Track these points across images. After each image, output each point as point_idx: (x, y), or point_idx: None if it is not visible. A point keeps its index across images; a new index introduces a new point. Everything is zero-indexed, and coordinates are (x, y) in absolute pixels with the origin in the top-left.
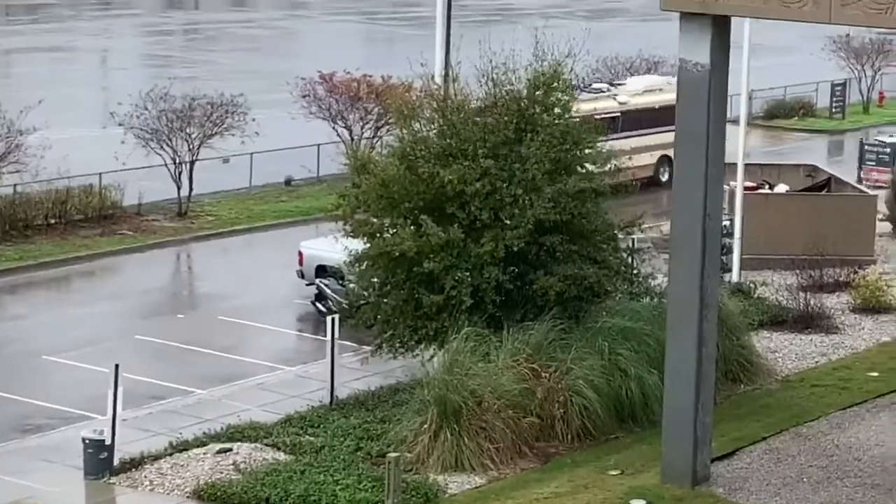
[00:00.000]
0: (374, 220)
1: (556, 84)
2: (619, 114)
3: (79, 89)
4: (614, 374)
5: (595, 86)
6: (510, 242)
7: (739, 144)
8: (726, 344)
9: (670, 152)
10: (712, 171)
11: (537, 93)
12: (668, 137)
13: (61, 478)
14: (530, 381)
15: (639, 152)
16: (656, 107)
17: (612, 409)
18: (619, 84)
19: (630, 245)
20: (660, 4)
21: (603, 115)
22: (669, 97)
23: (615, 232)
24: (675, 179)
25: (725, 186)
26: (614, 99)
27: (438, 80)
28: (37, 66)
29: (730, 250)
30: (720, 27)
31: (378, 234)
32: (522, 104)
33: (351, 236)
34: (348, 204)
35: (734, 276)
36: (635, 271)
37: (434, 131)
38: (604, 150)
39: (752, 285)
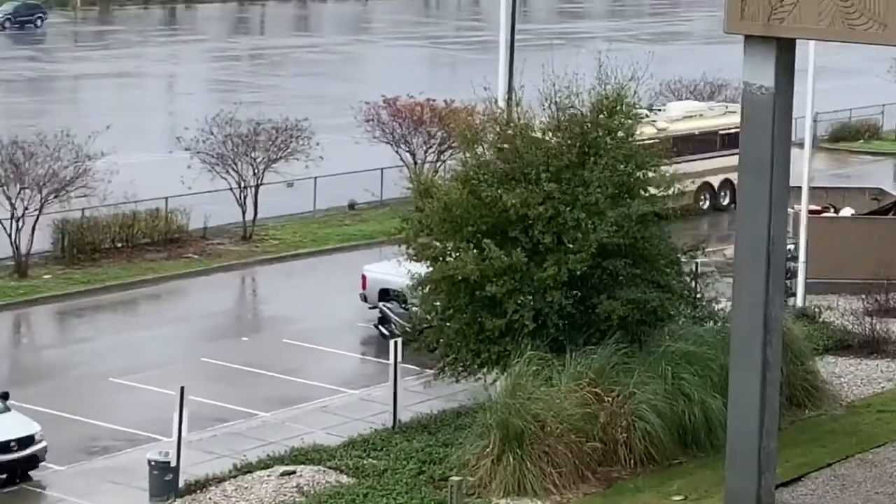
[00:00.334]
0: (437, 243)
1: (619, 108)
2: (656, 140)
3: (146, 114)
4: (677, 398)
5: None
6: (573, 266)
7: (804, 168)
8: (791, 369)
9: (711, 179)
10: (777, 195)
11: (600, 116)
12: (708, 164)
13: (127, 499)
14: (593, 406)
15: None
16: (696, 133)
17: (675, 433)
18: (659, 109)
19: (693, 269)
20: (724, 27)
21: (640, 142)
22: (710, 123)
23: (678, 256)
24: (740, 203)
25: (790, 210)
26: (652, 125)
27: (501, 103)
28: (104, 91)
29: (794, 274)
30: (785, 50)
31: (441, 258)
32: (586, 127)
33: (414, 260)
34: (411, 228)
35: (799, 300)
36: (699, 295)
37: (497, 155)
38: (667, 174)
39: (817, 310)
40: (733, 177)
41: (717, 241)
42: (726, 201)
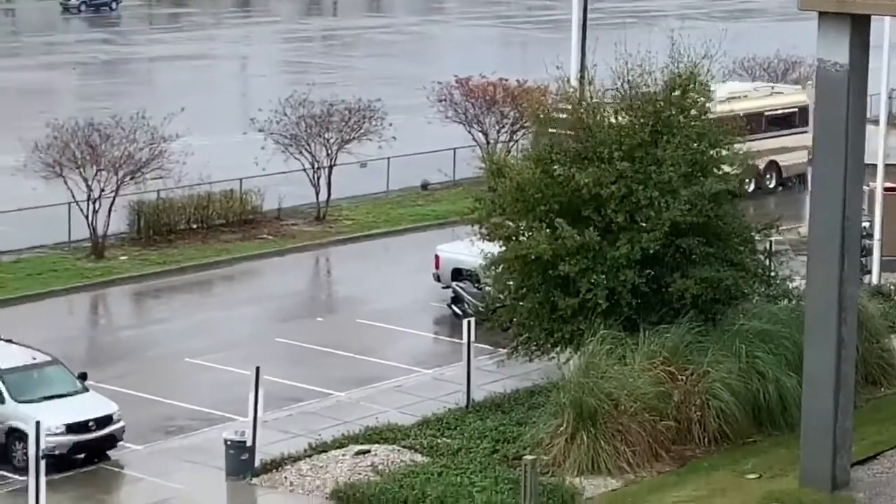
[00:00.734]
0: (510, 223)
1: (692, 85)
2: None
3: (220, 96)
4: (752, 377)
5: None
6: (646, 245)
7: (879, 145)
8: (866, 347)
9: (757, 162)
10: (851, 173)
11: (673, 94)
12: (753, 146)
13: (204, 478)
14: (667, 384)
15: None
16: (740, 114)
17: (749, 412)
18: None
19: (767, 247)
20: (798, 4)
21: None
22: (755, 104)
23: (752, 234)
24: (813, 180)
25: (865, 187)
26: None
27: (574, 82)
28: (179, 73)
29: (869, 252)
30: (859, 26)
31: (514, 238)
32: (658, 106)
33: (487, 239)
34: (484, 207)
35: (874, 277)
36: (773, 273)
37: (570, 134)
38: (741, 152)
39: (892, 287)
40: (780, 159)
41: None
42: (772, 184)
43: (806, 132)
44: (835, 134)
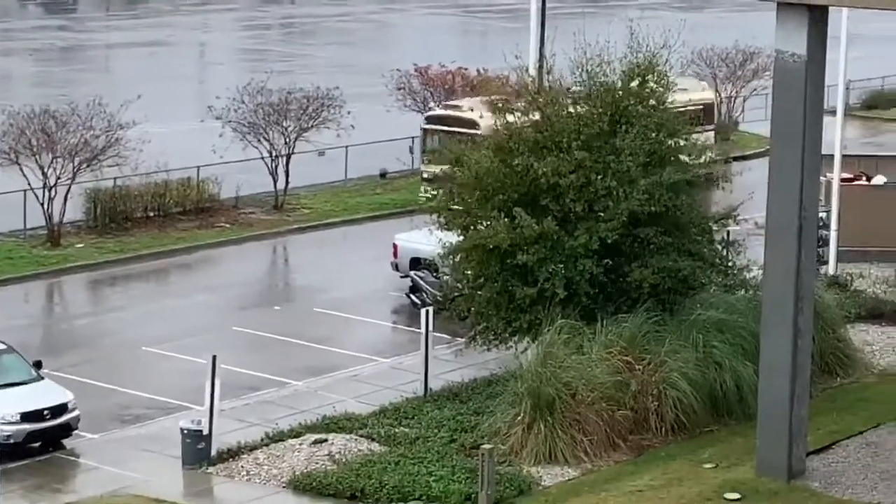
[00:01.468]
0: (468, 212)
1: (650, 75)
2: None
3: (177, 84)
4: (709, 366)
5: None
6: (604, 234)
7: (837, 135)
8: (822, 337)
9: None
10: (809, 163)
11: (632, 84)
12: None
13: (160, 467)
14: (624, 374)
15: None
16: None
17: (706, 401)
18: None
19: (724, 237)
20: None
21: None
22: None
23: (710, 224)
24: (771, 171)
25: (822, 178)
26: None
27: (533, 72)
28: (136, 60)
29: (826, 242)
30: (817, 17)
31: (472, 227)
32: (617, 96)
33: (445, 229)
34: (442, 196)
35: (831, 268)
36: (730, 263)
37: (528, 124)
38: (699, 142)
39: (848, 277)
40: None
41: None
42: None
43: (710, 130)
44: (792, 124)
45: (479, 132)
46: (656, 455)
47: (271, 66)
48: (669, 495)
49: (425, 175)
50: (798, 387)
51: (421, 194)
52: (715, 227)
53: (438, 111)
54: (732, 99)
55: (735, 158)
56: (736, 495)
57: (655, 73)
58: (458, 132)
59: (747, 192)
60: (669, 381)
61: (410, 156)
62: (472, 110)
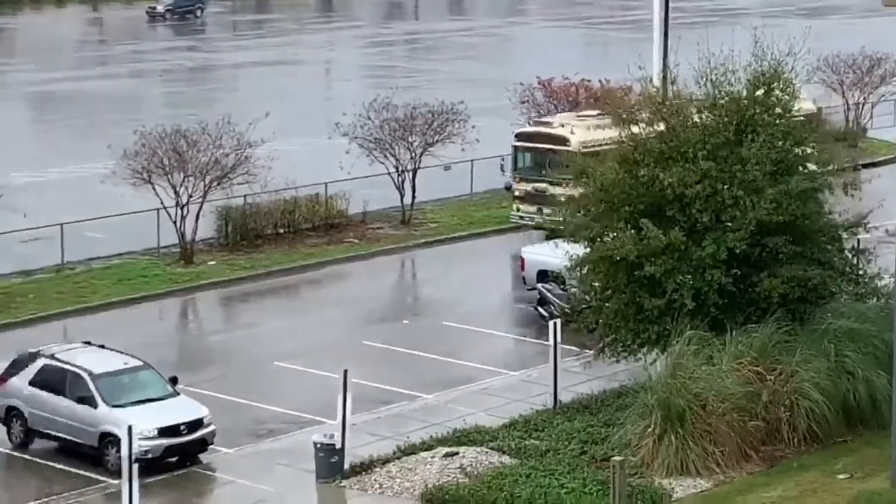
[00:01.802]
0: (595, 224)
1: (776, 83)
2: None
3: (304, 101)
4: (841, 376)
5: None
6: (732, 244)
7: None
8: None
9: None
10: None
11: (757, 93)
12: None
13: (294, 481)
14: (755, 384)
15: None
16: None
17: (839, 412)
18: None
19: (855, 245)
20: (883, 0)
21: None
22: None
23: (840, 232)
24: None
25: None
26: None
27: (657, 82)
28: (263, 79)
29: None
30: None
31: (599, 239)
32: (742, 104)
33: (572, 241)
34: (569, 209)
35: None
36: (861, 272)
37: (653, 134)
38: (827, 151)
39: None
40: None
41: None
42: None
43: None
44: None
45: (569, 148)
46: (789, 466)
47: (396, 81)
48: None
49: (517, 193)
50: None
51: (513, 213)
52: (845, 235)
53: (529, 128)
54: (860, 105)
55: (864, 165)
56: None
57: (781, 81)
58: (549, 149)
59: (877, 200)
60: (801, 392)
61: (502, 174)
62: (562, 126)
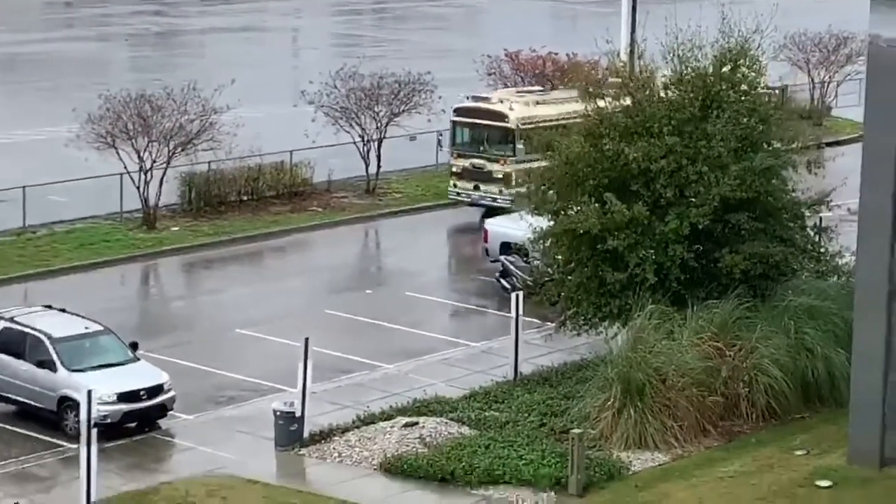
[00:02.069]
0: (558, 197)
1: (742, 60)
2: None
3: (270, 69)
4: (800, 353)
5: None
6: (695, 220)
7: None
8: None
9: None
10: None
11: (724, 69)
12: None
13: (254, 448)
14: (715, 360)
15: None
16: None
17: (797, 388)
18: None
19: (817, 223)
20: None
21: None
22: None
23: (802, 210)
24: (864, 157)
25: None
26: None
27: (624, 57)
28: (230, 45)
29: None
30: None
31: (562, 212)
32: (708, 81)
33: (535, 214)
34: (533, 182)
35: None
36: (822, 250)
37: (619, 109)
38: (791, 128)
39: None
40: None
41: None
42: None
43: None
44: (886, 111)
45: (507, 125)
46: (747, 441)
47: (363, 51)
48: (760, 482)
49: (454, 169)
50: (892, 374)
51: (450, 189)
52: (807, 213)
53: (467, 103)
54: (826, 84)
55: (828, 144)
56: (827, 482)
57: (747, 58)
58: (487, 125)
59: (840, 178)
60: (760, 368)
61: (438, 149)
62: (501, 102)
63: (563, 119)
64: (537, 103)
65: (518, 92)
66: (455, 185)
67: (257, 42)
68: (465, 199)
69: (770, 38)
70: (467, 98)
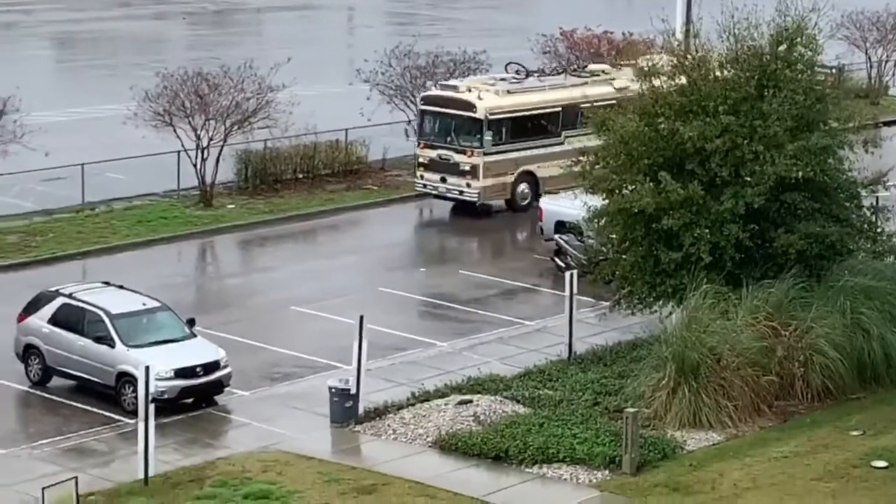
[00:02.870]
0: (614, 176)
1: (799, 39)
2: (613, 101)
3: (326, 47)
4: (856, 333)
5: (591, 67)
6: (750, 199)
7: None
8: None
9: None
10: None
11: (780, 48)
12: None
13: (309, 425)
14: (770, 340)
15: None
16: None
17: (853, 368)
18: (625, 65)
19: (874, 203)
20: None
21: (592, 104)
22: (683, 80)
23: (858, 189)
24: None
25: None
26: (610, 84)
27: (679, 36)
28: (286, 24)
29: None
30: None
31: (617, 191)
32: (764, 59)
33: (590, 192)
34: (588, 160)
35: None
36: (879, 229)
37: (674, 88)
38: (847, 108)
39: None
40: None
41: None
42: None
43: None
44: None
45: (475, 115)
46: (802, 421)
47: (419, 29)
48: (815, 462)
49: (421, 160)
50: None
51: (417, 181)
52: (863, 193)
53: (435, 92)
54: (883, 63)
55: (885, 123)
56: (883, 463)
57: (804, 37)
58: (455, 114)
59: None
60: (816, 348)
61: (406, 139)
62: (469, 91)
63: (538, 109)
64: (509, 92)
65: (490, 80)
66: (422, 177)
67: (313, 20)
68: (432, 192)
69: (827, 16)
70: (435, 86)
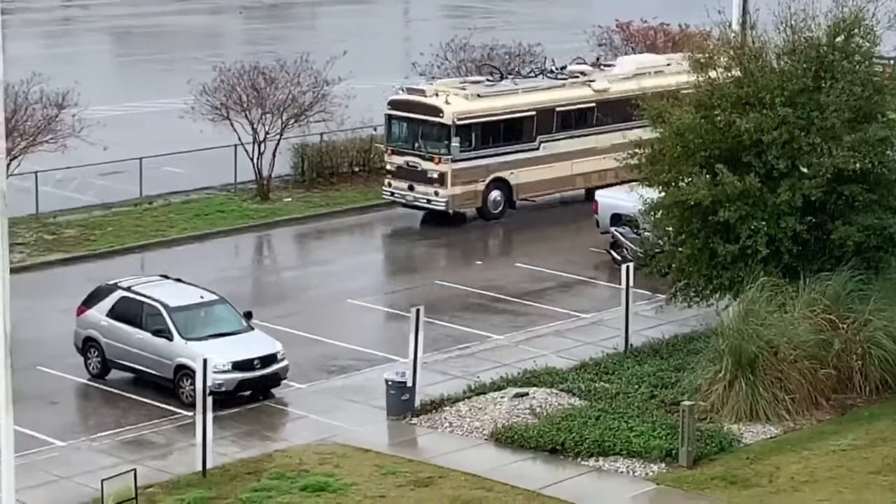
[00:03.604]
0: (670, 168)
1: (857, 30)
2: (592, 104)
3: (381, 40)
4: None
5: (571, 68)
6: (808, 192)
7: None
8: None
9: None
10: None
11: (837, 39)
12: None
13: (365, 417)
14: (827, 332)
15: (621, 150)
16: (648, 94)
17: None
18: (607, 66)
19: None
20: None
21: (568, 107)
22: (669, 81)
23: None
24: None
25: None
26: (589, 86)
27: (736, 27)
28: (342, 17)
29: None
30: None
31: (673, 183)
32: (822, 51)
33: (646, 185)
34: (644, 153)
35: None
36: None
37: (731, 79)
38: None
39: None
40: None
41: None
42: None
43: None
44: None
45: (442, 120)
46: (860, 414)
47: (474, 22)
48: (873, 455)
49: (389, 167)
50: None
51: (384, 189)
52: None
53: (402, 96)
54: None
55: None
56: None
57: (862, 28)
58: (422, 120)
59: None
60: (874, 341)
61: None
62: (436, 95)
63: (511, 113)
64: (479, 96)
65: (460, 83)
66: (389, 185)
67: (369, 14)
68: (400, 201)
69: (885, 6)
70: (401, 90)
